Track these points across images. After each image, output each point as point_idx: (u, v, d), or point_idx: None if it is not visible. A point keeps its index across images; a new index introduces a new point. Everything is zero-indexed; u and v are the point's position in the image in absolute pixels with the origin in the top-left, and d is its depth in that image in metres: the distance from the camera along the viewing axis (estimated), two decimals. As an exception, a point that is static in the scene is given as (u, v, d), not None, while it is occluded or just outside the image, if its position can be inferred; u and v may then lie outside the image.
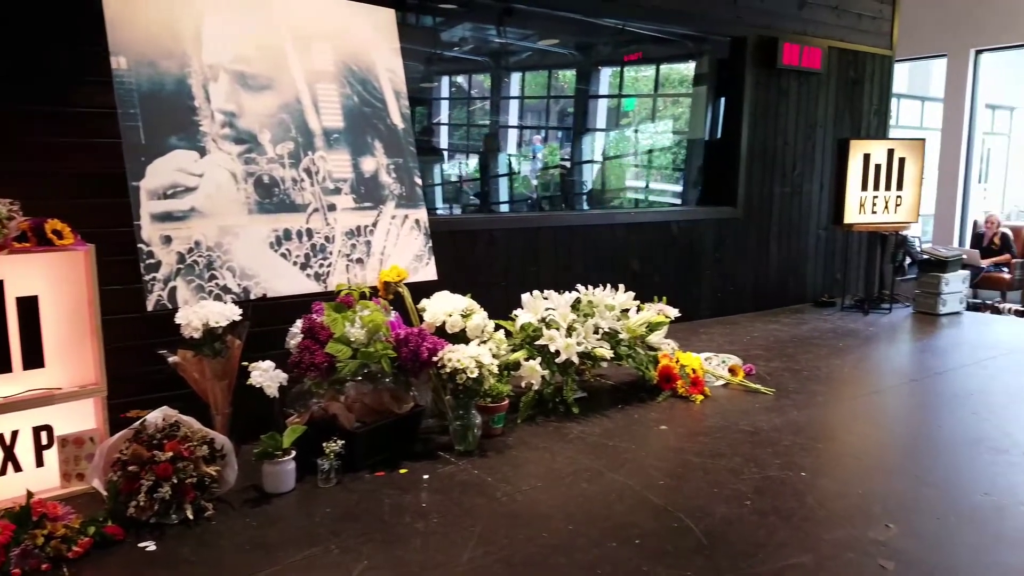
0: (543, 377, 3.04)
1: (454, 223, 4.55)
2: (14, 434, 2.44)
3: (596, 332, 3.27)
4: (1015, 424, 3.16)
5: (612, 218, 5.14)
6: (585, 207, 5.88)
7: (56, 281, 2.47)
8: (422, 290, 3.17)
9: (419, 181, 3.37)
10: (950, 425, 3.28)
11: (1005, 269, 8.79)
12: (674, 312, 3.61)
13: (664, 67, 6.29)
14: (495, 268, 4.35)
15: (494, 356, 2.76)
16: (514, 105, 5.91)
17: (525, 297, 3.26)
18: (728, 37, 5.53)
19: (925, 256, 5.96)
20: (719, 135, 5.74)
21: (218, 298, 2.68)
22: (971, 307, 6.44)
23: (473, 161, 5.71)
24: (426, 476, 2.54)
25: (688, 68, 6.08)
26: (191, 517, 2.19)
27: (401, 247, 3.24)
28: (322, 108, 3.11)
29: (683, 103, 6.17)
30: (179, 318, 2.54)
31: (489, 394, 2.76)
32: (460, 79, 5.68)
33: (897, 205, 5.74)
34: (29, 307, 2.43)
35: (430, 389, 2.86)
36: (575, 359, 3.10)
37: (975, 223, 9.57)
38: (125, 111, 2.61)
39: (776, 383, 3.71)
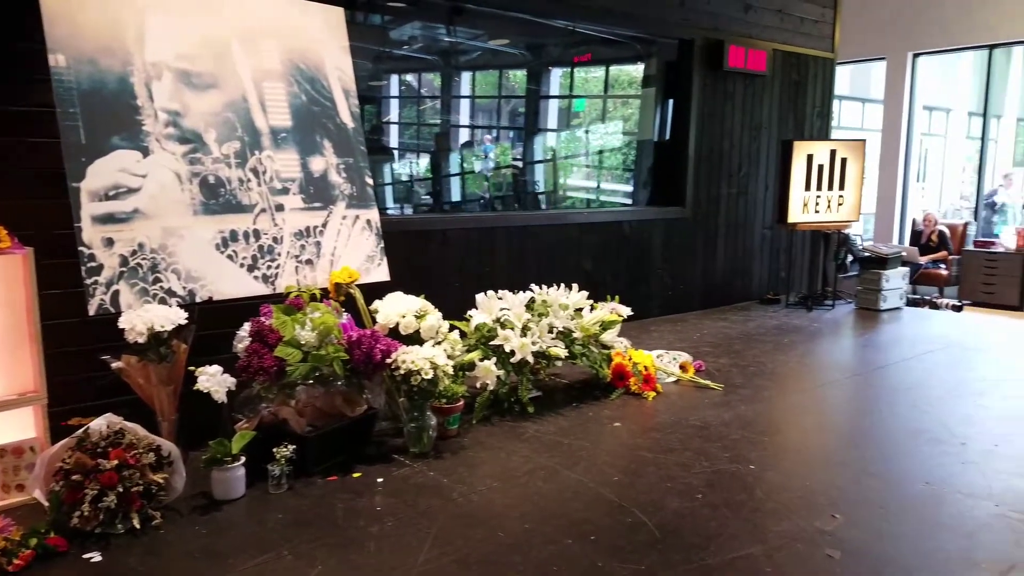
0: (498, 377, 3.04)
1: (406, 223, 4.52)
2: (-53, 445, 2.34)
3: (551, 331, 3.29)
4: (952, 416, 3.29)
5: (565, 218, 5.18)
6: (538, 207, 5.91)
7: (-9, 286, 2.37)
8: (375, 291, 3.14)
9: (370, 181, 3.34)
10: (891, 417, 3.39)
11: (942, 266, 9.12)
12: (627, 311, 3.65)
13: (614, 68, 6.35)
14: (448, 268, 4.34)
15: (449, 357, 2.76)
16: (465, 104, 5.90)
17: (479, 297, 3.26)
18: (676, 39, 5.61)
19: (866, 254, 6.14)
20: (668, 136, 5.83)
21: (163, 302, 2.62)
22: (910, 303, 6.65)
23: (424, 160, 5.68)
24: (380, 479, 2.52)
25: (637, 70, 6.15)
26: (138, 526, 2.13)
27: (352, 248, 3.21)
28: (269, 107, 3.06)
29: (632, 104, 6.25)
30: (123, 322, 2.46)
31: (444, 395, 2.75)
32: (410, 78, 5.65)
33: (839, 204, 5.90)
34: (-38, 313, 2.33)
35: (383, 391, 2.84)
36: (530, 359, 3.12)
37: (913, 221, 9.91)
38: (64, 110, 2.53)
39: (725, 379, 3.78)
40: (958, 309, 7.92)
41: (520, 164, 5.98)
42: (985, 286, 8.86)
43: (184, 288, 2.69)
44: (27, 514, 2.25)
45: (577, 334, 3.41)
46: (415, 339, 2.89)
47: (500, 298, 3.25)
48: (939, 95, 12.21)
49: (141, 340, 2.45)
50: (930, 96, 11.20)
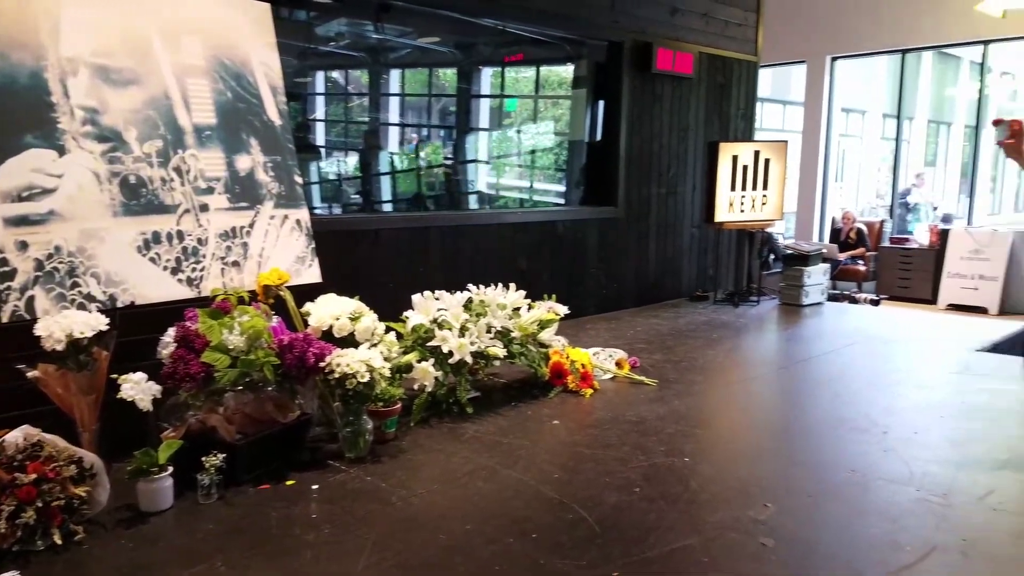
0: (436, 378, 3.01)
1: (337, 223, 4.44)
2: None
3: (489, 331, 3.28)
4: (873, 406, 3.42)
5: (499, 218, 5.18)
6: (471, 206, 5.89)
7: None
8: (306, 293, 3.07)
9: (299, 179, 3.26)
10: (816, 408, 3.52)
11: (860, 262, 9.52)
12: (564, 309, 3.67)
13: (544, 69, 6.39)
14: (382, 269, 4.28)
15: (385, 359, 2.71)
16: (395, 102, 5.83)
17: (416, 298, 3.22)
18: (605, 41, 5.69)
19: (789, 251, 6.35)
20: (599, 137, 5.90)
21: (82, 307, 2.49)
22: (831, 298, 6.92)
23: (353, 159, 5.59)
24: (315, 486, 2.46)
25: (567, 71, 6.20)
26: (59, 542, 2.02)
27: (281, 248, 3.12)
28: (193, 104, 2.96)
29: (563, 105, 6.30)
30: (39, 329, 2.33)
31: (381, 398, 2.71)
32: (337, 75, 5.55)
33: (763, 204, 6.09)
34: None
35: (317, 396, 2.77)
36: (469, 359, 3.10)
37: (833, 219, 10.31)
38: (-31, 106, 2.38)
39: (658, 374, 3.85)
40: (876, 303, 8.29)
41: (451, 163, 5.95)
42: (901, 281, 9.29)
43: (104, 293, 2.57)
44: (-67, 536, 2.11)
45: (515, 333, 3.41)
46: (350, 342, 2.83)
47: (437, 298, 3.22)
48: (856, 97, 12.76)
49: (59, 348, 2.33)
50: (847, 98, 11.69)
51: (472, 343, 3.10)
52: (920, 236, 9.77)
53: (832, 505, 2.38)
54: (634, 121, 5.84)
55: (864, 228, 9.69)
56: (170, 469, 2.29)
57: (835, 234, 9.89)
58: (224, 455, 2.34)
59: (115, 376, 2.41)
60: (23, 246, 2.41)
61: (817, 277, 6.10)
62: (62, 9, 2.63)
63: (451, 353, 3.02)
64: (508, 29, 5.34)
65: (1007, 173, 13.85)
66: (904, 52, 9.96)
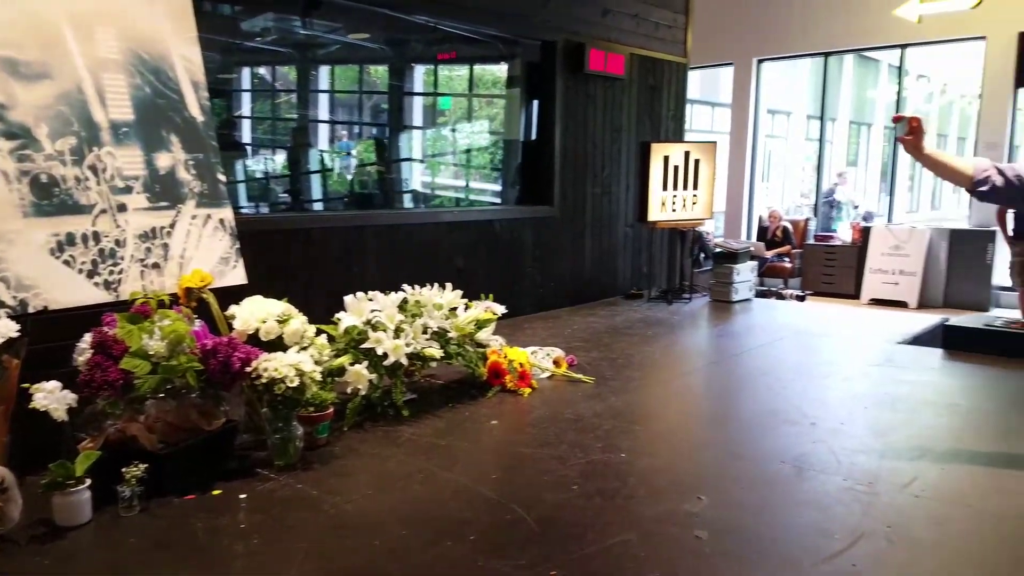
0: (370, 381, 2.94)
1: (266, 222, 4.31)
2: None
3: (425, 332, 3.23)
4: (802, 397, 3.52)
5: (435, 217, 5.12)
6: (406, 205, 5.82)
7: None
8: (231, 295, 2.95)
9: (223, 178, 3.14)
10: (748, 401, 3.59)
11: (786, 259, 9.80)
12: (501, 309, 3.65)
13: (478, 68, 6.36)
14: (314, 270, 4.18)
15: (316, 363, 2.63)
16: (324, 99, 5.71)
17: (348, 299, 3.14)
18: (538, 41, 5.70)
19: (718, 250, 6.49)
20: (534, 137, 5.91)
21: (-13, 313, 2.34)
22: (759, 294, 7.10)
23: (281, 157, 5.45)
24: (243, 495, 2.37)
25: (501, 69, 6.19)
26: (-37, 565, 1.90)
27: (204, 249, 3.00)
28: (109, 99, 2.81)
29: (498, 104, 6.28)
30: (-61, 338, 2.19)
31: (312, 403, 2.63)
32: (264, 71, 5.41)
33: (693, 203, 6.20)
34: None
35: (244, 402, 2.67)
36: (404, 360, 3.04)
37: (760, 218, 10.59)
38: None
39: (595, 372, 3.86)
40: (801, 299, 8.56)
41: (385, 161, 5.86)
42: (825, 277, 9.61)
43: (15, 298, 2.42)
44: None
45: (452, 334, 3.37)
46: (278, 345, 2.74)
47: (371, 299, 3.15)
48: (781, 99, 13.15)
49: (-38, 357, 2.18)
50: (773, 100, 12.04)
51: (408, 344, 3.05)
52: (843, 233, 10.12)
53: (765, 496, 2.43)
54: (568, 121, 5.87)
55: (789, 226, 9.98)
56: (88, 481, 2.17)
57: (762, 232, 10.16)
58: (146, 465, 2.24)
59: (27, 385, 2.28)
60: (-80, 249, 2.25)
61: (745, 274, 6.25)
62: (-38, -4, 2.47)
63: (386, 355, 2.96)
64: (440, 27, 5.30)
65: (924, 173, 14.51)
66: (826, 55, 10.31)
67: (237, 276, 3.09)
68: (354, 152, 5.88)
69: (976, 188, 2.55)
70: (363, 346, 2.98)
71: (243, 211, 4.79)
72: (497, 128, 6.26)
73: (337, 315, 3.10)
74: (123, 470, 2.21)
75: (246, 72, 5.26)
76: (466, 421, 3.12)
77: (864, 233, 9.30)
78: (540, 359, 3.85)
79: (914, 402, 3.39)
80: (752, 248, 6.92)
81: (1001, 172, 2.51)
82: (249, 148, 5.23)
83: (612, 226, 6.46)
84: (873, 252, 9.10)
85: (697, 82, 12.15)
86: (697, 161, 6.16)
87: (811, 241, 10.00)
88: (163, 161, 2.94)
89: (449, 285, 3.50)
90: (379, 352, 2.96)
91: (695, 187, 6.17)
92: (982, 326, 4.40)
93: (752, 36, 10.19)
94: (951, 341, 4.42)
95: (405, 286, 3.38)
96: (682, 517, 2.23)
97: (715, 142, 6.45)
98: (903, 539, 2.10)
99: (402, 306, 3.20)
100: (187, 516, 2.23)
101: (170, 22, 3.08)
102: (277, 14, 4.98)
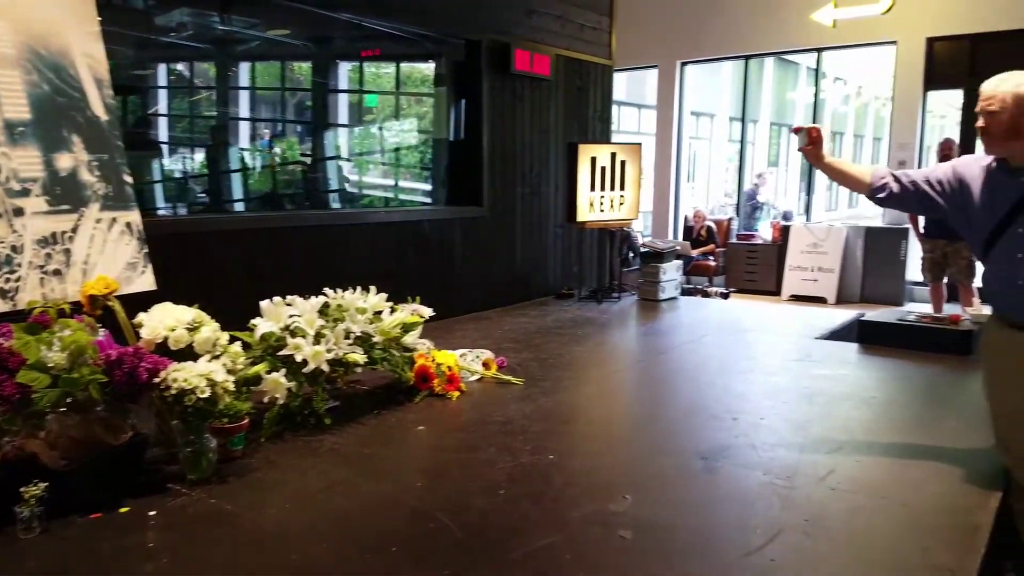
0: (289, 389, 2.84)
1: (179, 225, 4.14)
2: None
3: (348, 337, 3.14)
4: (725, 393, 3.58)
5: (361, 218, 5.03)
6: (333, 206, 5.70)
7: None
8: (140, 303, 2.81)
9: (129, 179, 2.99)
10: (675, 398, 3.64)
11: (711, 258, 10.03)
12: (428, 311, 3.59)
13: (406, 66, 6.29)
14: (233, 274, 4.03)
15: (229, 372, 2.52)
16: (245, 96, 5.54)
17: (264, 304, 3.02)
18: (463, 40, 5.66)
19: (645, 249, 6.58)
20: (462, 136, 5.87)
21: None
22: (685, 292, 7.24)
23: (200, 155, 5.26)
24: (152, 512, 2.25)
25: (429, 68, 6.13)
26: None
27: (109, 255, 2.85)
28: (3, 98, 2.65)
29: (428, 103, 6.22)
30: None
31: (226, 414, 2.52)
32: (181, 67, 5.21)
33: (621, 204, 6.27)
34: None
35: (154, 414, 2.55)
36: (325, 367, 2.95)
37: (685, 218, 10.81)
38: None
39: (526, 373, 3.85)
40: (725, 296, 8.77)
41: (309, 160, 5.72)
42: (748, 274, 9.87)
43: None
44: None
45: (377, 338, 3.29)
46: (190, 354, 2.62)
47: (289, 304, 3.04)
48: (705, 101, 13.46)
49: None
50: (697, 102, 12.32)
51: (329, 350, 2.96)
52: (764, 232, 10.42)
53: (688, 492, 2.45)
54: (496, 121, 5.85)
55: (714, 226, 10.22)
56: (-21, 505, 2.03)
57: (688, 232, 10.38)
58: (46, 484, 2.10)
59: (-93, 404, 2.11)
60: None
61: (672, 273, 6.35)
62: None
63: (305, 362, 2.87)
64: (364, 24, 5.20)
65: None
66: (747, 58, 10.60)
67: (145, 282, 2.95)
68: (277, 150, 5.72)
69: (874, 195, 2.65)
70: (281, 353, 2.88)
71: (160, 212, 4.60)
72: (427, 127, 6.19)
73: (253, 321, 2.99)
74: (22, 490, 2.07)
75: (162, 68, 5.06)
76: (392, 428, 3.05)
77: (784, 232, 9.59)
78: (470, 362, 3.81)
79: (831, 396, 3.49)
80: (678, 247, 7.05)
81: (897, 179, 2.60)
82: (166, 147, 5.04)
83: (542, 226, 6.47)
84: (793, 250, 9.39)
85: (624, 84, 12.33)
86: (623, 162, 6.23)
87: (734, 240, 10.25)
88: (64, 162, 2.78)
89: (374, 288, 3.42)
90: (298, 359, 2.86)
91: (622, 188, 6.23)
92: (895, 321, 4.56)
93: (675, 39, 10.39)
94: (866, 335, 4.57)
95: (327, 290, 3.28)
96: (608, 517, 2.23)
97: (640, 144, 6.54)
98: (820, 532, 2.15)
99: (323, 311, 3.11)
100: (92, 536, 2.11)
101: (70, 16, 2.92)
102: (193, 9, 4.80)
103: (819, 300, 9.00)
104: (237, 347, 2.77)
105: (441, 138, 5.98)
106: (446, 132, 5.92)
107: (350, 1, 4.84)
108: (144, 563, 1.96)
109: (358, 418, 3.12)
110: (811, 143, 2.64)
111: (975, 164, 2.50)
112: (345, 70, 5.94)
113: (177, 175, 5.09)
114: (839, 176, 2.76)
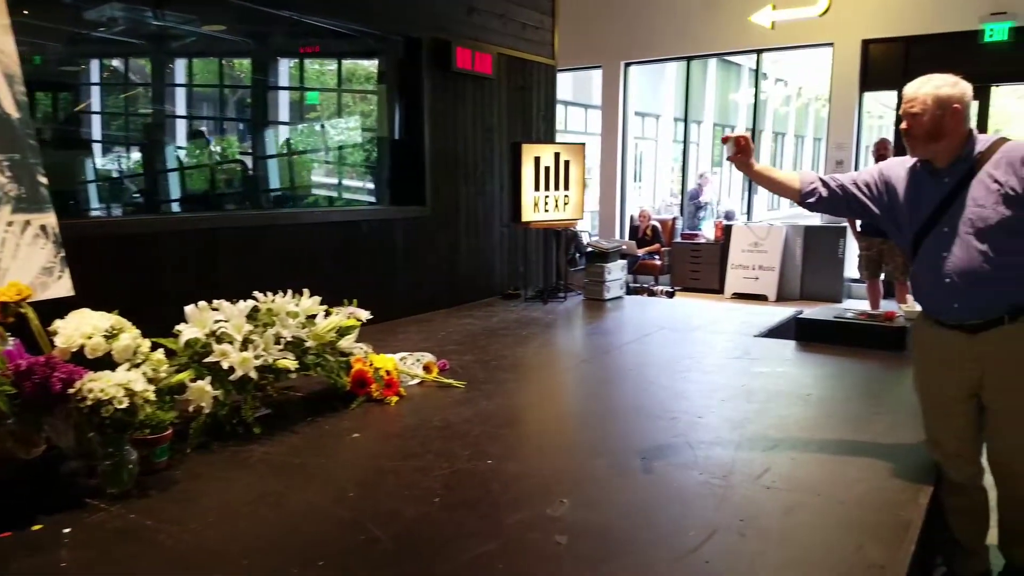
0: (216, 398, 2.74)
1: (102, 226, 3.98)
2: None
3: (278, 342, 3.04)
4: (666, 392, 3.59)
5: (296, 218, 4.91)
6: (272, 206, 5.55)
7: None
8: (56, 309, 2.67)
9: (44, 180, 2.84)
10: (617, 398, 3.63)
11: (656, 257, 10.11)
12: (366, 314, 3.50)
13: (348, 63, 6.17)
14: (161, 278, 3.88)
15: (151, 380, 2.41)
16: (181, 93, 5.36)
17: (189, 309, 2.90)
18: (403, 37, 5.58)
19: (590, 249, 6.59)
20: (404, 134, 5.78)
21: None
22: (631, 291, 7.28)
23: (134, 154, 5.07)
24: (67, 529, 2.14)
25: (372, 65, 6.03)
26: None
27: (22, 259, 2.70)
28: (-96, 92, 2.49)
29: (372, 100, 6.11)
30: None
31: (147, 424, 2.41)
32: (115, 63, 5.02)
33: (565, 204, 6.27)
34: None
35: (72, 426, 2.42)
36: (254, 374, 2.85)
37: (632, 217, 10.89)
38: None
39: (468, 375, 3.80)
40: (671, 295, 8.85)
41: (248, 159, 5.56)
42: (692, 273, 9.99)
43: None
44: None
45: (310, 343, 3.20)
46: (108, 363, 2.49)
47: (215, 309, 2.93)
48: (650, 102, 13.60)
49: None
50: (642, 103, 12.43)
51: (257, 356, 2.86)
52: (708, 232, 10.56)
53: (625, 494, 2.43)
54: (437, 119, 5.78)
55: (659, 225, 10.32)
56: None
57: (633, 231, 10.45)
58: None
59: None
60: None
61: (617, 272, 6.37)
62: None
63: (232, 369, 2.76)
64: (303, 20, 5.09)
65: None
66: (689, 59, 10.73)
67: (62, 288, 2.80)
68: (214, 149, 5.55)
69: (804, 200, 2.69)
70: (207, 360, 2.77)
71: (93, 214, 4.42)
72: (371, 125, 6.09)
73: (177, 327, 2.87)
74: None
75: (94, 64, 4.87)
76: (325, 436, 2.96)
77: (726, 231, 9.73)
78: (409, 365, 3.74)
79: (768, 393, 3.53)
80: (624, 247, 7.08)
81: (826, 184, 2.65)
82: (98, 146, 4.85)
83: (488, 225, 6.43)
84: (735, 249, 9.54)
85: (570, 84, 12.37)
86: (567, 162, 6.22)
87: (678, 240, 10.37)
88: (-29, 162, 2.63)
89: (306, 291, 3.33)
90: (224, 366, 2.76)
91: (566, 188, 6.23)
92: (832, 318, 4.64)
93: (619, 39, 10.45)
94: (803, 333, 4.65)
95: (257, 293, 3.18)
96: (544, 522, 2.19)
97: (584, 144, 6.54)
98: (754, 531, 2.15)
99: (252, 315, 3.01)
100: (2, 557, 1.99)
101: (-22, 7, 2.76)
102: (124, 3, 4.63)
103: (760, 298, 9.15)
104: (160, 354, 2.66)
105: (385, 136, 5.89)
106: (389, 130, 5.83)
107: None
108: (56, 584, 1.86)
109: (291, 426, 3.03)
110: (739, 151, 2.66)
111: (900, 166, 2.54)
112: (285, 67, 5.81)
113: (112, 174, 4.91)
114: (769, 183, 2.79)
